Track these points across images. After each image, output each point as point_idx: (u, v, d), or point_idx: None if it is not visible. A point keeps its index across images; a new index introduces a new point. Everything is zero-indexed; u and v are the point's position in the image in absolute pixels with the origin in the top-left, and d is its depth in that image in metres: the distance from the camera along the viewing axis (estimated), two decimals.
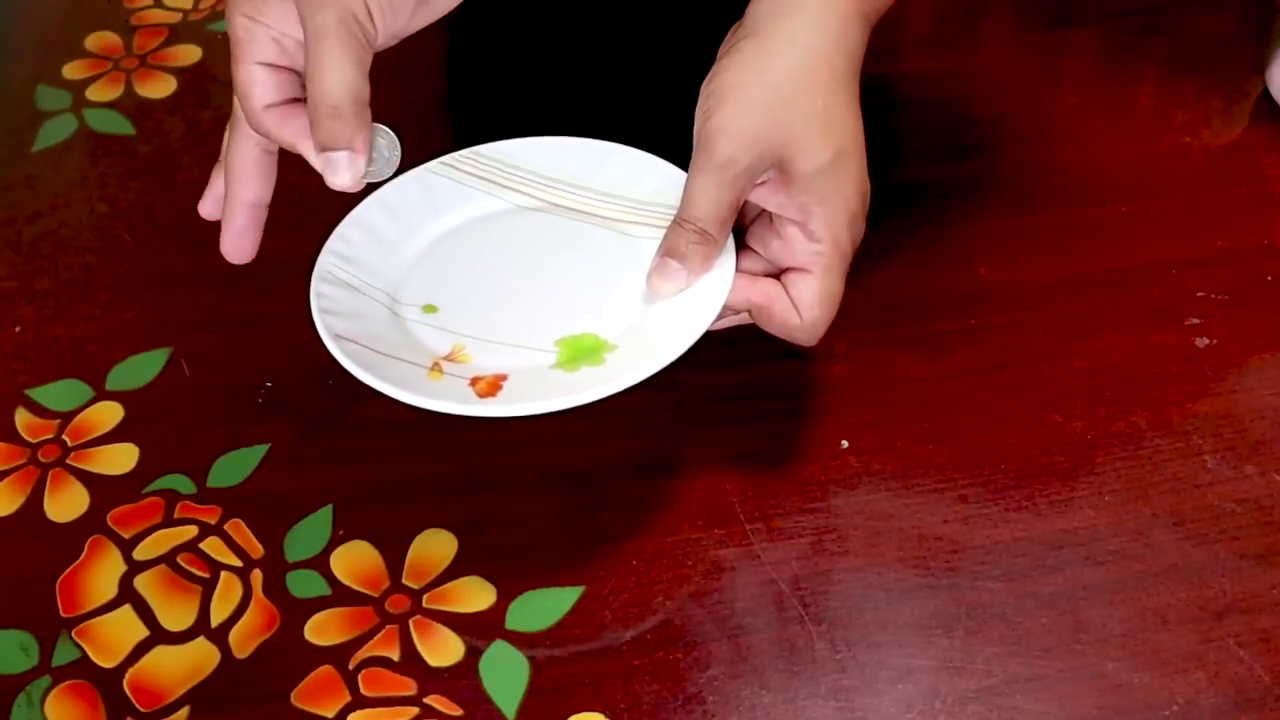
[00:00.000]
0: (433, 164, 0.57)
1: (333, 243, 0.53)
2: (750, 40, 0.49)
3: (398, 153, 0.51)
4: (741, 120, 0.48)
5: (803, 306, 0.50)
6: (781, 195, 0.49)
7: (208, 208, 0.54)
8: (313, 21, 0.47)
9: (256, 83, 0.49)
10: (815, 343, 0.51)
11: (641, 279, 0.51)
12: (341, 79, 0.47)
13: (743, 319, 0.52)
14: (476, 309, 0.52)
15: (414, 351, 0.50)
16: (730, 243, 0.51)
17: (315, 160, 0.49)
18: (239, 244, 0.52)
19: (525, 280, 0.53)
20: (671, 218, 0.50)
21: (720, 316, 0.50)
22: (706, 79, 0.49)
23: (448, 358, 0.50)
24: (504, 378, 0.49)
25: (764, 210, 0.51)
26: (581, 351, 0.50)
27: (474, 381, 0.48)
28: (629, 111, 0.64)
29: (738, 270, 0.50)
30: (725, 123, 0.48)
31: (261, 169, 0.51)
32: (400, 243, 0.55)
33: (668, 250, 0.50)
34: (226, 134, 0.51)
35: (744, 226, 0.52)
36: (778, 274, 0.51)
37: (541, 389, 0.48)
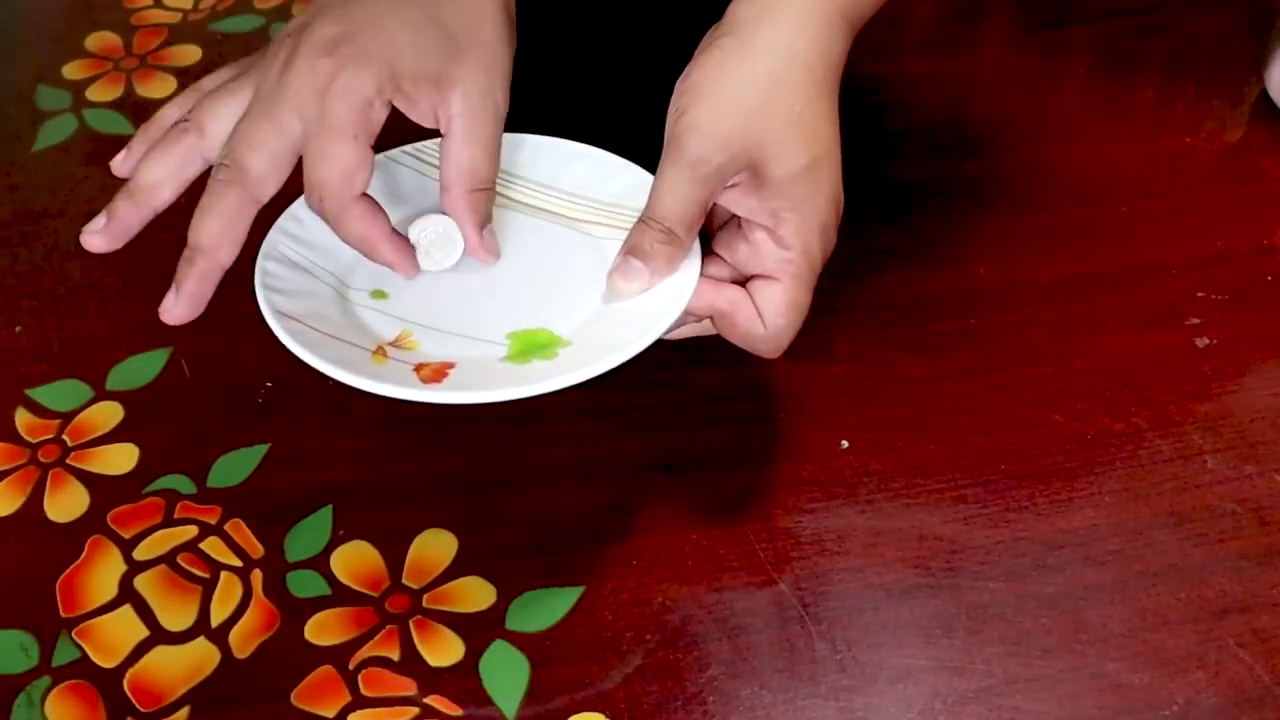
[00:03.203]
0: (395, 151, 0.56)
1: (283, 222, 0.52)
2: (730, 39, 0.48)
3: (461, 243, 0.52)
4: (716, 119, 0.47)
5: (767, 315, 0.49)
6: (753, 199, 0.48)
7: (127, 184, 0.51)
8: (469, 97, 0.49)
9: (365, 167, 0.48)
10: (777, 354, 0.50)
11: (602, 280, 0.50)
12: (494, 159, 0.50)
13: (704, 327, 0.51)
14: (427, 298, 0.51)
15: (359, 335, 0.49)
16: (696, 246, 0.50)
17: (387, 258, 0.50)
18: (197, 308, 0.48)
19: (481, 275, 0.52)
20: (636, 220, 0.49)
21: (682, 322, 0.49)
22: (681, 76, 0.48)
23: (393, 343, 0.49)
24: (450, 366, 0.47)
25: (733, 216, 0.50)
26: (533, 346, 0.49)
27: (419, 368, 0.47)
28: (600, 109, 0.63)
29: (702, 275, 0.49)
30: (699, 120, 0.47)
31: (245, 234, 0.48)
32: None
33: (631, 248, 0.49)
34: (220, 190, 0.48)
35: (711, 232, 0.51)
36: (743, 282, 0.50)
37: (488, 379, 0.46)
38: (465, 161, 0.50)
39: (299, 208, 0.53)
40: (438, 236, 0.51)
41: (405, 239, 0.51)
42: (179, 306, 0.48)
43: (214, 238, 0.47)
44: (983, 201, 0.68)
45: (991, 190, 0.68)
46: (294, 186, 0.54)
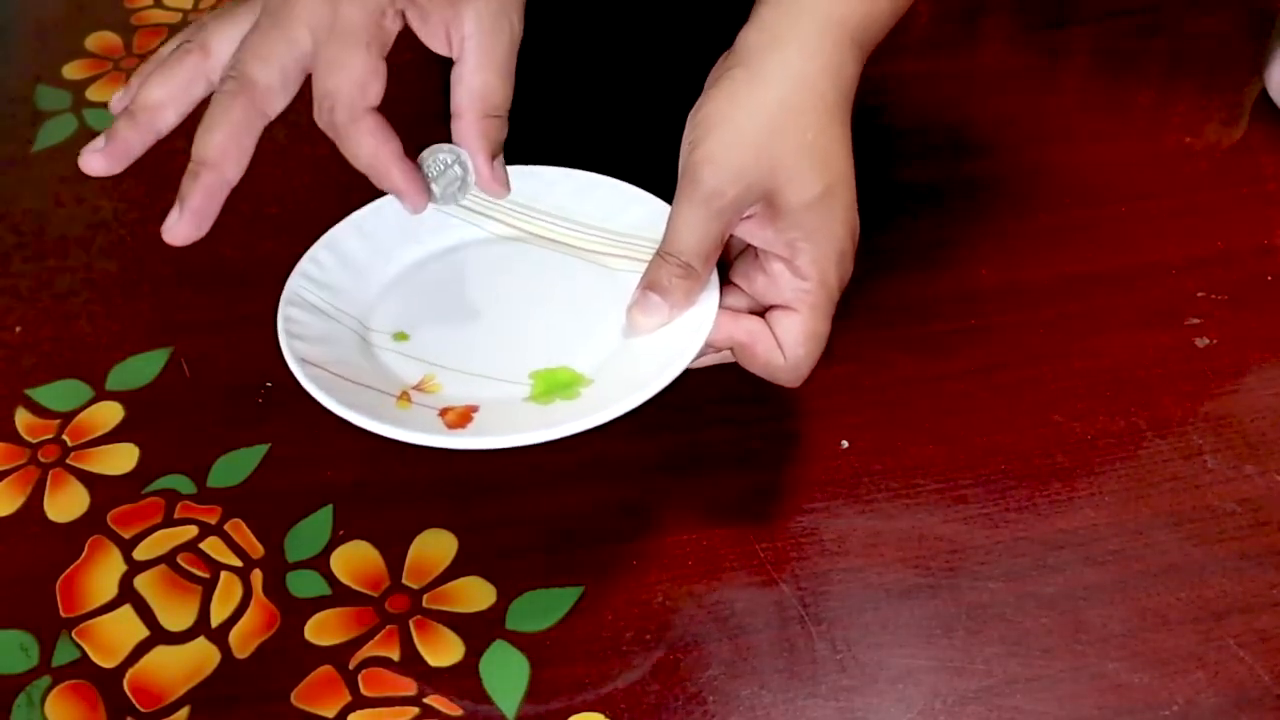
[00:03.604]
0: None
1: (303, 265, 0.52)
2: (740, 69, 0.48)
3: (473, 176, 0.50)
4: (729, 151, 0.47)
5: (787, 345, 0.48)
6: (769, 230, 0.48)
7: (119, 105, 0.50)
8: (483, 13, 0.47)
9: (379, 77, 0.46)
10: (799, 384, 0.50)
11: (621, 313, 0.50)
12: (508, 82, 0.49)
13: (723, 357, 0.51)
14: (448, 338, 0.51)
15: (382, 379, 0.49)
16: (714, 278, 0.49)
17: (398, 183, 0.48)
18: (201, 226, 0.46)
19: (500, 311, 0.52)
20: (654, 251, 0.49)
21: (701, 354, 0.49)
22: (694, 108, 0.48)
23: (417, 387, 0.49)
24: (474, 409, 0.47)
25: (749, 245, 0.50)
26: (556, 385, 0.49)
27: (444, 412, 0.47)
28: (615, 139, 0.63)
29: (720, 306, 0.49)
30: (712, 153, 0.47)
31: (252, 149, 0.47)
32: (373, 268, 0.54)
33: (649, 283, 0.48)
34: (226, 102, 0.46)
35: (728, 262, 0.51)
36: (762, 311, 0.49)
37: (513, 422, 0.46)
38: (479, 86, 0.48)
39: (318, 250, 0.53)
40: (447, 168, 0.50)
41: (417, 166, 0.49)
42: (182, 224, 0.46)
43: (219, 150, 0.46)
44: (983, 201, 0.68)
45: (991, 190, 0.68)
46: (338, 206, 0.54)
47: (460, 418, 0.47)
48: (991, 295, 0.63)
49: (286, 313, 0.49)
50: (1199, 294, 0.63)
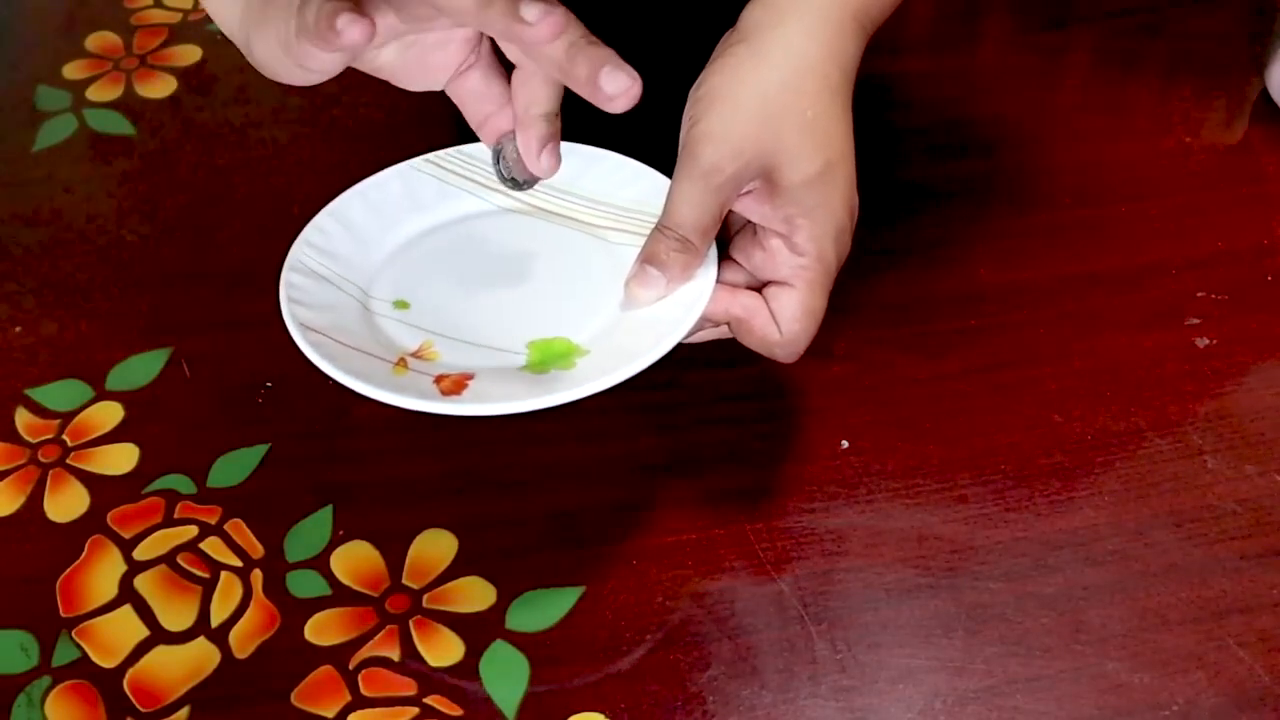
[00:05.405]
0: (417, 160, 0.56)
1: (308, 233, 0.53)
2: (742, 46, 0.48)
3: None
4: (729, 127, 0.47)
5: (783, 321, 0.49)
6: (767, 206, 0.48)
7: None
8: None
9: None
10: (794, 359, 0.50)
11: (619, 286, 0.51)
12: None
13: (721, 332, 0.51)
14: (448, 307, 0.52)
15: (381, 346, 0.49)
16: (712, 253, 0.50)
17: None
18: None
19: (500, 282, 0.53)
20: (653, 226, 0.49)
21: (699, 328, 0.49)
22: (695, 84, 0.49)
23: (415, 354, 0.49)
24: (470, 376, 0.48)
25: (748, 221, 0.50)
26: (552, 355, 0.49)
27: (439, 379, 0.48)
28: (618, 114, 0.63)
29: (719, 281, 0.49)
30: (712, 129, 0.47)
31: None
32: (377, 238, 0.54)
33: (647, 257, 0.49)
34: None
35: (727, 237, 0.51)
36: (759, 287, 0.50)
37: (508, 389, 0.47)
38: (539, 89, 0.50)
39: (322, 218, 0.54)
40: (511, 157, 0.52)
41: None
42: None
43: None
44: (983, 201, 0.68)
45: (991, 190, 0.68)
46: (319, 193, 0.54)
47: (455, 385, 0.47)
48: (991, 295, 0.63)
49: (289, 278, 0.50)
50: (1199, 294, 0.63)
